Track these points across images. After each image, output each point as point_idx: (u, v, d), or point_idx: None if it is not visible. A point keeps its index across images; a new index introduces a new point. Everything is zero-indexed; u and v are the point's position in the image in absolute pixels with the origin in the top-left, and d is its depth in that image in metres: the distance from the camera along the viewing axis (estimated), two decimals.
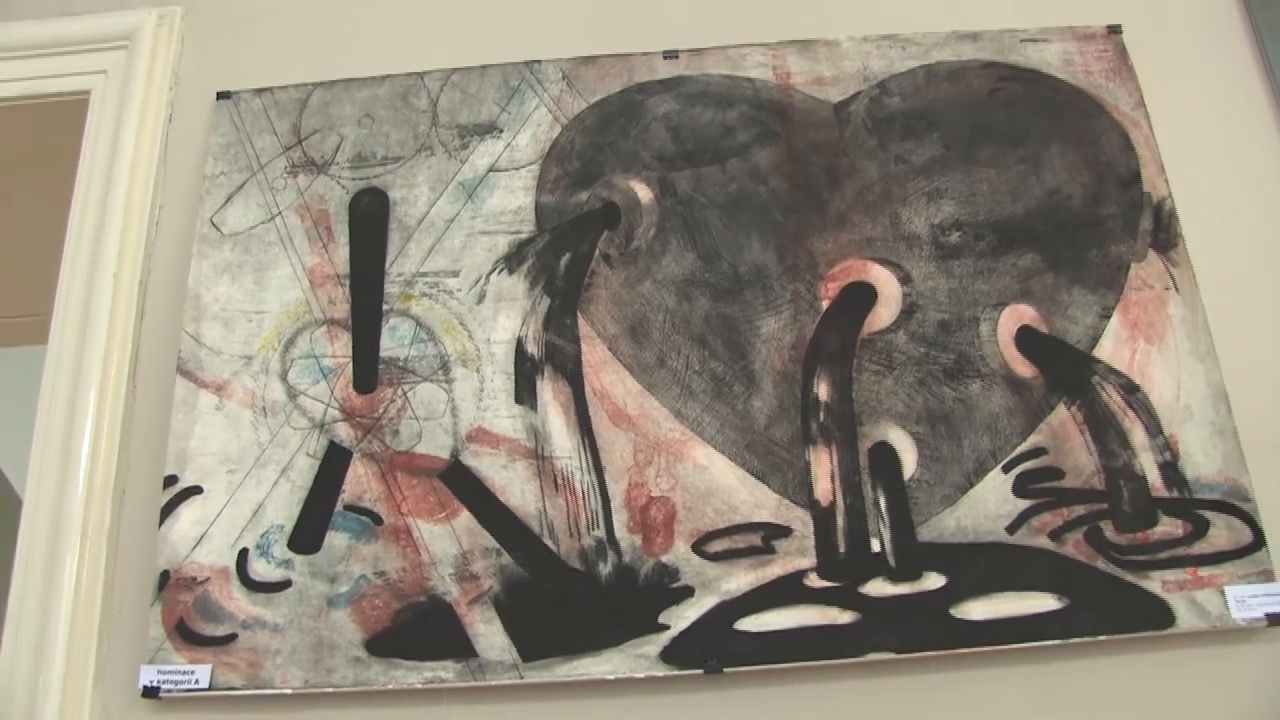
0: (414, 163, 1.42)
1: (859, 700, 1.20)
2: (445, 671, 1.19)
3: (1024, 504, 1.23)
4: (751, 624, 1.19)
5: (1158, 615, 1.19)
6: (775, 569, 1.21)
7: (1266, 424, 1.29)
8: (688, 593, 1.21)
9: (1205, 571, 1.21)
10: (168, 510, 1.28)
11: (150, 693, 1.21)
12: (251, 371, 1.34)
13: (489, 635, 1.21)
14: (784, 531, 1.22)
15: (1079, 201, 1.35)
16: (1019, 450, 1.25)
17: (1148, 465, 1.25)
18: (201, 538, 1.27)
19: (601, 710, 1.21)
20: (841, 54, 1.45)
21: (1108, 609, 1.20)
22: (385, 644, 1.21)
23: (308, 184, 1.43)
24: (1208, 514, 1.23)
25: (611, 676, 1.18)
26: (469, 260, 1.36)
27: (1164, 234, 1.34)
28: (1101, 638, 1.19)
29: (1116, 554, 1.22)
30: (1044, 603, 1.20)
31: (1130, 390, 1.27)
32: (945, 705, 1.20)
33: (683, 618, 1.20)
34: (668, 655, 1.18)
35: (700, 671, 1.18)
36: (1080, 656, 1.22)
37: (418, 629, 1.21)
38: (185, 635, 1.23)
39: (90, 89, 1.52)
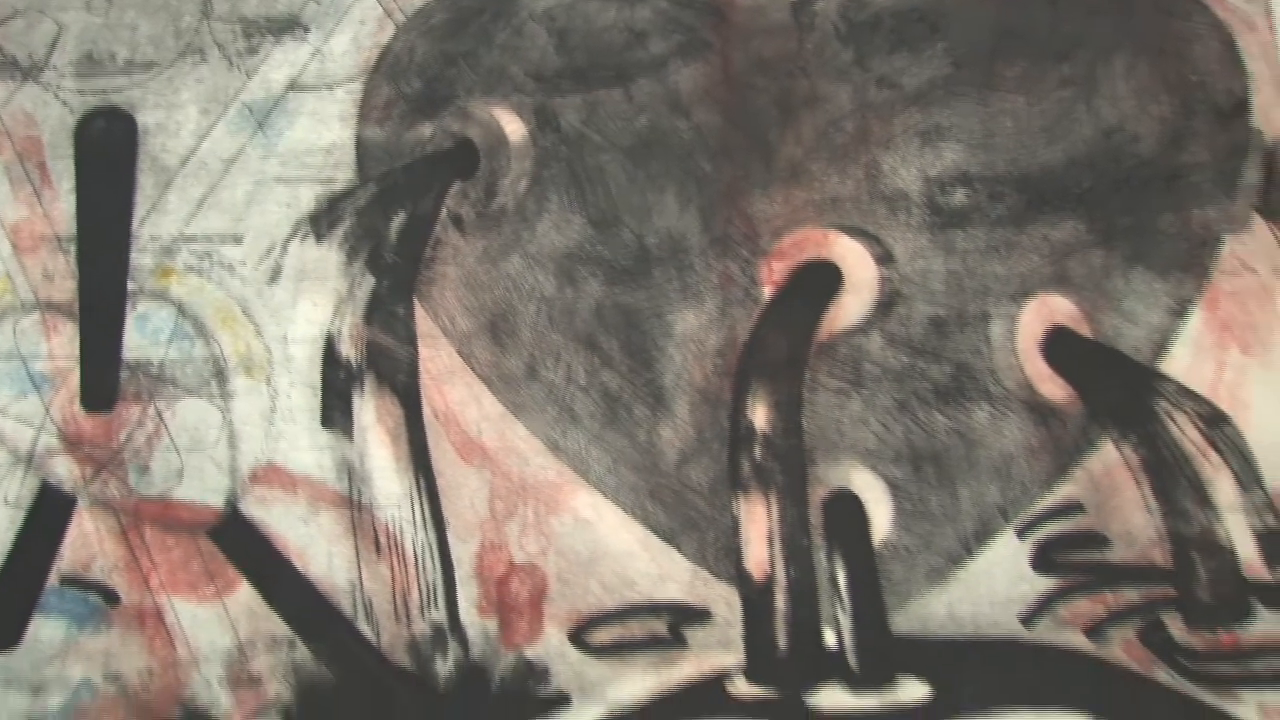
0: (175, 72, 1.56)
1: None
2: None
3: (1048, 584, 1.41)
4: None
5: None
6: (687, 669, 1.39)
7: None
8: (561, 702, 1.38)
9: None
10: None
11: None
12: None
13: None
14: (701, 616, 1.40)
15: (1150, 144, 1.52)
16: (1043, 506, 1.43)
17: (1238, 532, 1.42)
18: None
19: None
20: None
21: None
22: None
23: (5, 96, 1.56)
24: None
25: None
26: (258, 220, 1.52)
27: (1278, 191, 1.50)
28: None
29: (1189, 663, 1.38)
30: None
31: (1215, 422, 1.44)
32: None
33: None
34: None
35: None
36: None
37: None
38: None
39: None
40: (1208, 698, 1.38)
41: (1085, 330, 1.49)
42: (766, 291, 1.50)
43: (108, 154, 1.55)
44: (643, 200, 1.53)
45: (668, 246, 1.51)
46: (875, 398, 1.47)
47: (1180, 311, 1.48)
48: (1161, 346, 1.48)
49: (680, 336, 1.49)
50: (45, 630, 1.42)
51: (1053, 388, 1.47)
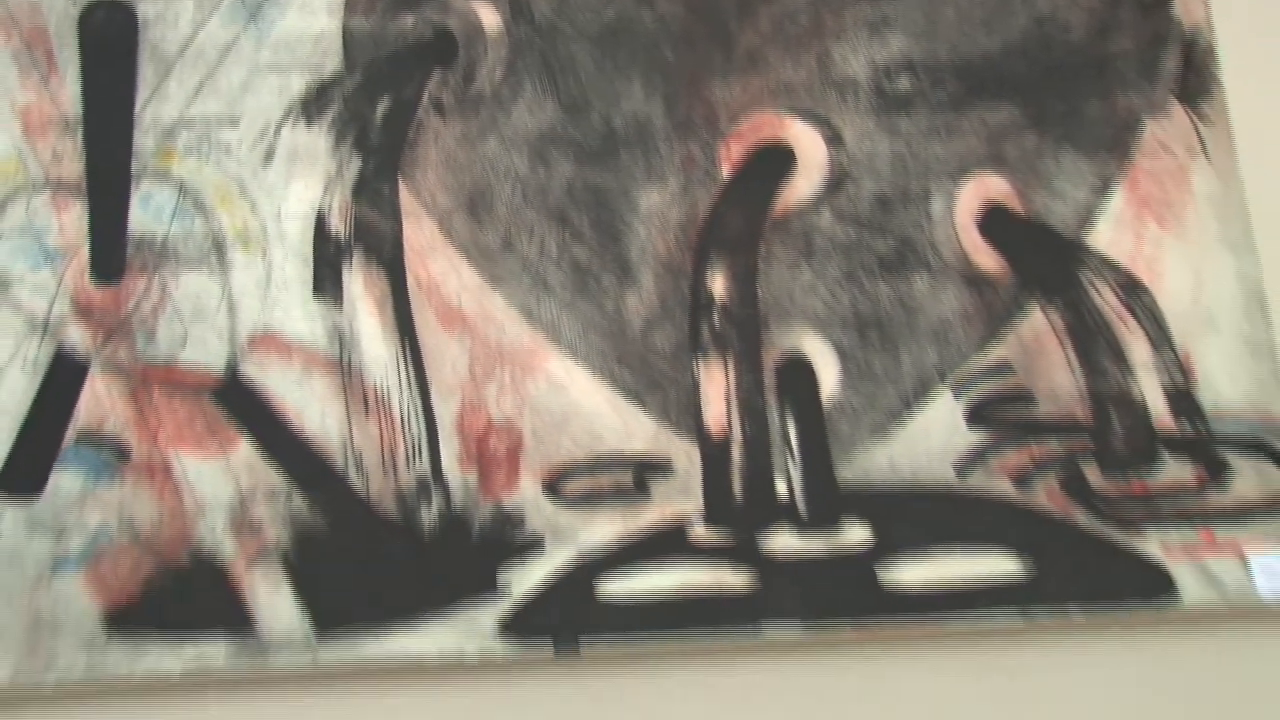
0: None
1: (755, 691, 1.38)
2: (214, 652, 1.35)
3: (980, 438, 1.41)
4: (617, 587, 1.37)
5: (1156, 587, 1.36)
6: (650, 516, 1.38)
7: None
8: (536, 546, 1.37)
9: (1223, 532, 1.38)
10: None
11: None
12: None
13: (274, 604, 1.36)
14: (663, 468, 1.39)
15: (1080, 33, 1.51)
16: (976, 366, 1.43)
17: (1150, 390, 1.42)
18: None
19: (420, 700, 1.37)
20: None
21: (1087, 577, 1.37)
22: (132, 619, 1.36)
23: None
24: (1230, 455, 1.40)
25: (434, 654, 1.34)
26: (252, 105, 1.50)
27: (1195, 78, 1.51)
28: (1077, 615, 1.35)
29: (1103, 506, 1.40)
30: (1002, 566, 1.38)
31: (1132, 290, 1.45)
32: (868, 700, 1.38)
33: (529, 578, 1.37)
34: (508, 627, 1.36)
35: (549, 648, 1.34)
36: (1049, 640, 1.39)
37: (178, 597, 1.37)
38: None
39: None
40: (1118, 537, 1.37)
41: (1017, 207, 1.48)
42: (725, 171, 1.48)
43: (110, 43, 1.51)
44: (610, 87, 1.51)
45: (634, 130, 1.50)
46: (825, 269, 1.47)
47: (1104, 190, 1.48)
48: (1086, 221, 1.47)
49: (645, 213, 1.47)
50: (64, 482, 1.38)
51: (987, 259, 1.46)
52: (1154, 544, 1.36)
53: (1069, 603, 1.34)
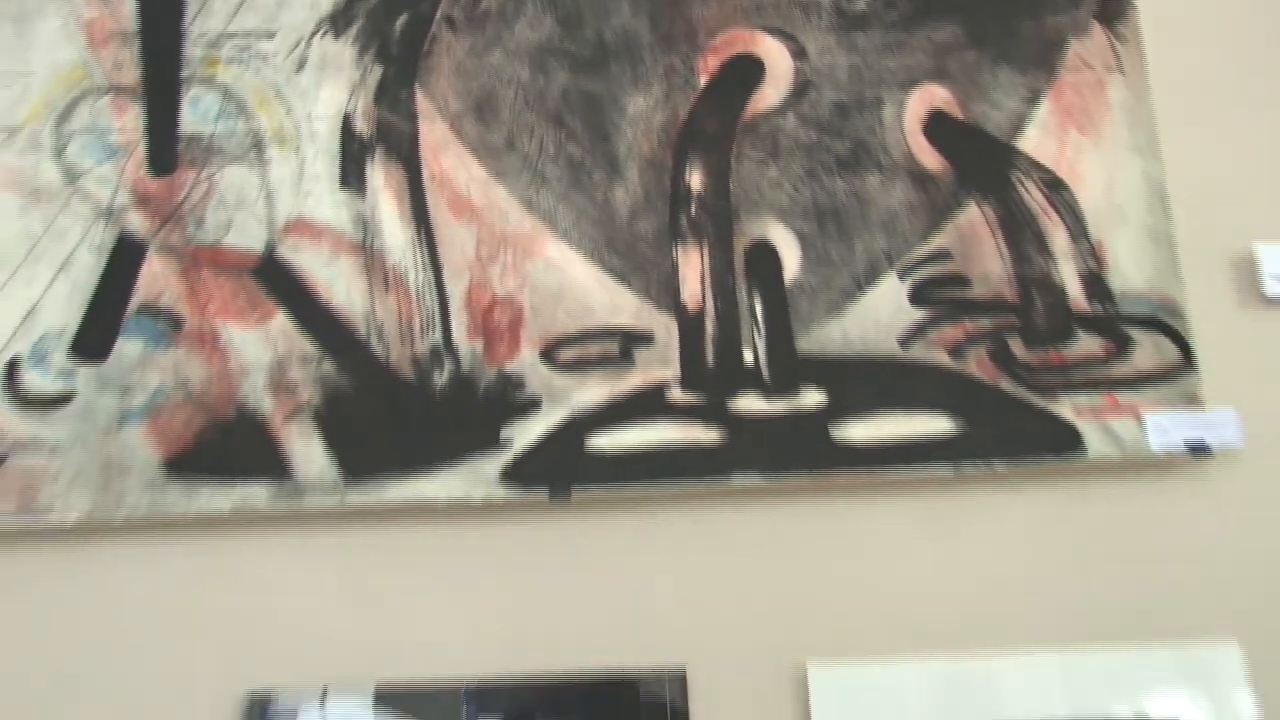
0: None
1: (723, 531, 1.34)
2: (256, 494, 1.30)
3: (921, 315, 1.35)
4: (605, 441, 1.32)
5: (1066, 443, 1.33)
6: (634, 380, 1.33)
7: (1209, 232, 1.41)
8: (534, 405, 1.32)
9: (1124, 397, 1.34)
10: None
11: None
12: (16, 148, 1.40)
13: (307, 453, 1.31)
14: (645, 339, 1.34)
15: None
16: (919, 253, 1.37)
17: (1068, 274, 1.37)
18: None
19: (433, 539, 1.33)
20: None
21: (1010, 435, 1.33)
22: (186, 465, 1.31)
23: None
24: (1133, 331, 1.36)
25: (445, 497, 1.30)
26: (287, 19, 1.43)
27: (1113, 2, 1.43)
28: (1000, 467, 1.32)
29: (1025, 374, 1.35)
30: (937, 425, 1.33)
31: (1054, 187, 1.38)
32: (821, 539, 1.34)
33: (528, 433, 1.32)
34: (509, 475, 1.31)
35: (545, 494, 1.31)
36: (976, 488, 1.35)
37: (225, 447, 1.33)
38: None
39: None
40: (1036, 400, 1.33)
41: (958, 114, 1.41)
42: (702, 80, 1.41)
43: None
44: (602, 4, 1.43)
45: (622, 43, 1.42)
46: (789, 166, 1.40)
47: (1033, 100, 1.41)
48: (1017, 128, 1.40)
49: (632, 116, 1.40)
50: (128, 348, 1.35)
51: (930, 159, 1.40)
52: (1066, 407, 1.32)
53: (993, 456, 1.31)
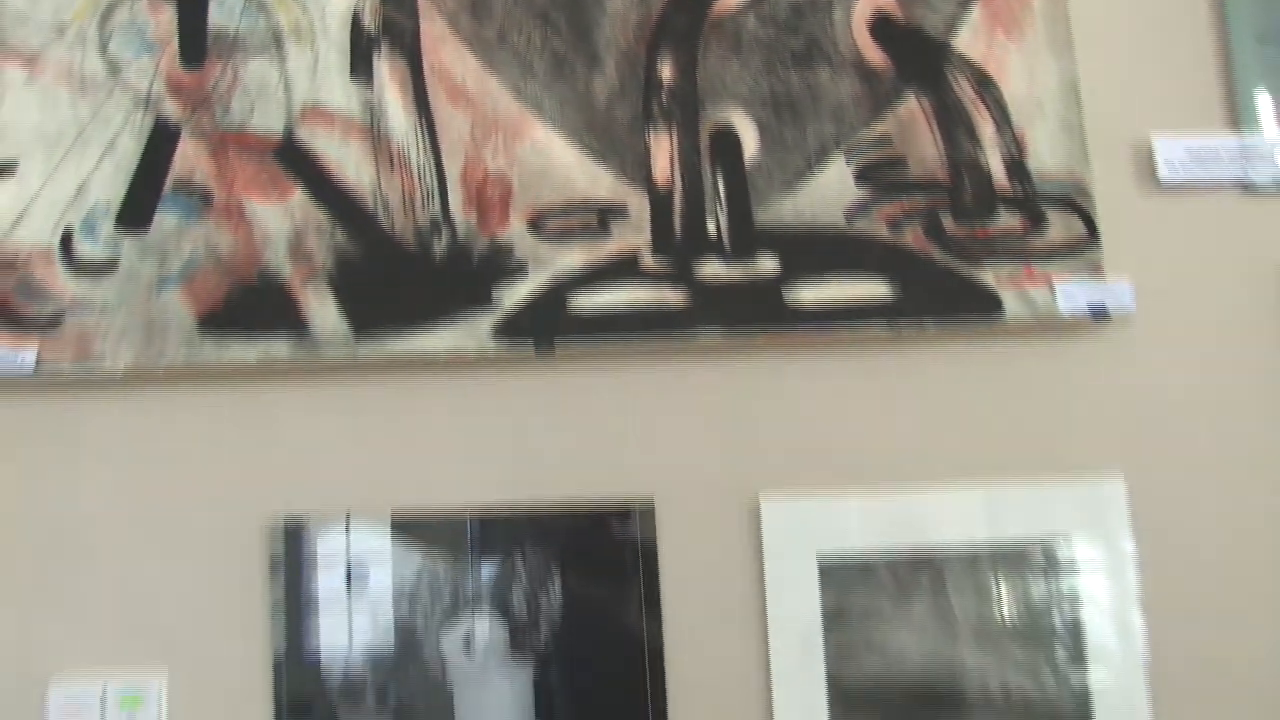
0: None
1: (688, 382, 1.26)
2: (278, 347, 1.22)
3: (865, 193, 1.26)
4: (584, 302, 1.23)
5: (987, 306, 1.25)
6: (610, 248, 1.24)
7: (1114, 123, 1.32)
8: (522, 270, 1.24)
9: (1039, 267, 1.26)
10: None
11: None
12: (66, 43, 1.28)
13: (322, 312, 1.23)
14: (620, 211, 1.24)
15: None
16: (863, 138, 1.27)
17: (993, 159, 1.28)
18: (19, 217, 1.25)
19: (435, 387, 1.26)
20: None
21: (939, 298, 1.25)
22: (217, 322, 1.24)
23: None
24: (1047, 210, 1.28)
25: (443, 350, 1.23)
26: None
27: None
28: (931, 327, 1.25)
29: (953, 246, 1.26)
30: (876, 290, 1.25)
31: (983, 83, 1.29)
32: (774, 389, 1.27)
33: (516, 294, 1.23)
34: (500, 330, 1.22)
35: (531, 347, 1.23)
36: (909, 348, 1.28)
37: (251, 307, 1.23)
38: (7, 319, 1.24)
39: None
40: (963, 269, 1.27)
41: (900, 16, 1.32)
42: None
43: None
44: None
45: None
46: (749, 60, 1.30)
47: (965, 5, 1.32)
48: (951, 29, 1.32)
49: (610, 14, 1.30)
50: (165, 220, 1.27)
51: (875, 56, 1.31)
52: (989, 275, 1.25)
53: (925, 317, 1.24)
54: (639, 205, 1.25)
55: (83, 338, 1.24)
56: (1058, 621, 1.26)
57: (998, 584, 1.26)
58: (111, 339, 1.24)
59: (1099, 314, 1.27)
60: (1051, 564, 1.27)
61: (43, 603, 1.24)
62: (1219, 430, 1.30)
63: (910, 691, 1.24)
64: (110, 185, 1.27)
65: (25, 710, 1.22)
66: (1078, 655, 1.25)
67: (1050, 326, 1.29)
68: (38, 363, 1.23)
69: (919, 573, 1.25)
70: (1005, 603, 1.26)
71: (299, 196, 1.26)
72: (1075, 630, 1.26)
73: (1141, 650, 1.26)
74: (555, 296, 1.24)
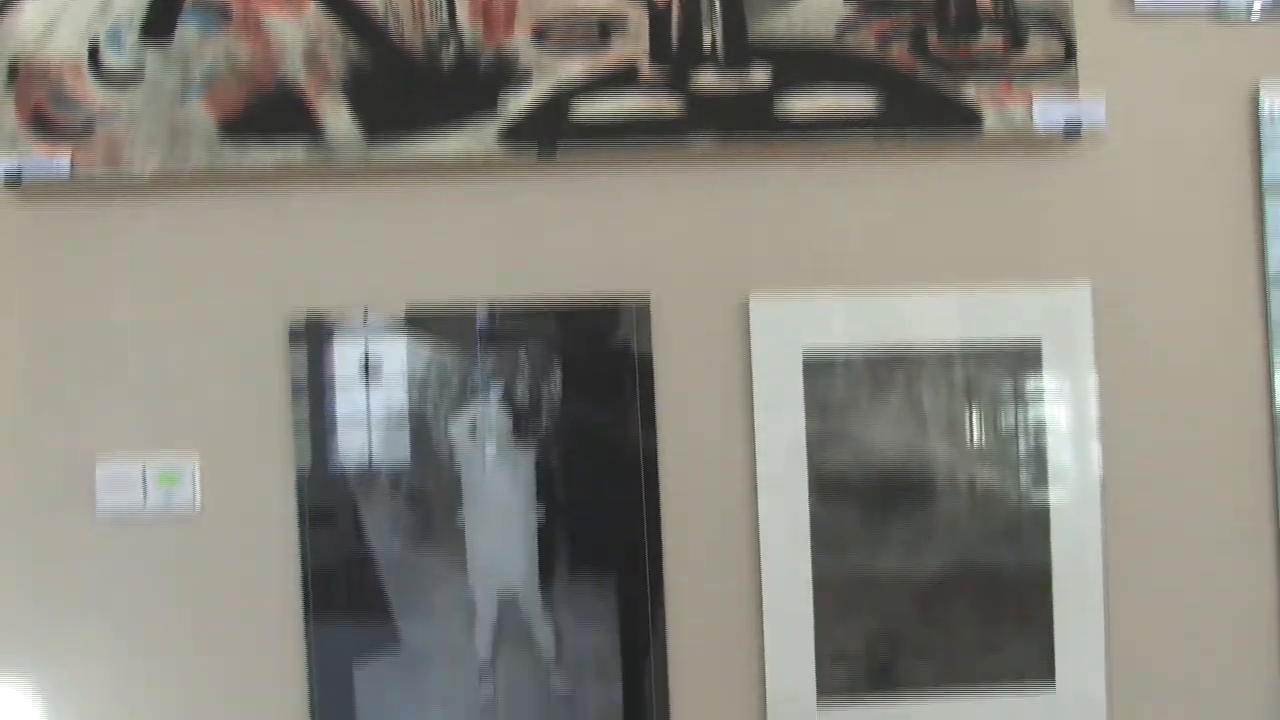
0: None
1: (682, 188, 1.34)
2: (295, 151, 1.29)
3: (855, 9, 1.31)
4: (586, 109, 1.29)
5: (969, 120, 1.31)
6: (610, 58, 1.30)
7: None
8: (526, 78, 1.29)
9: (1017, 84, 1.32)
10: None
11: (12, 181, 1.29)
12: None
13: (336, 118, 1.29)
14: (620, 23, 1.30)
15: None
16: None
17: None
18: (48, 29, 1.30)
19: (444, 191, 1.33)
20: None
21: (923, 112, 1.31)
22: (238, 128, 1.30)
23: None
24: (1028, 29, 1.32)
25: (451, 154, 1.29)
26: None
27: None
28: (913, 139, 1.32)
29: (937, 62, 1.32)
30: (862, 102, 1.31)
31: None
32: (764, 195, 1.34)
33: (520, 101, 1.29)
34: (505, 135, 1.28)
35: (534, 152, 1.30)
36: (893, 158, 1.35)
37: (269, 114, 1.29)
38: (43, 127, 1.30)
39: None
40: (946, 85, 1.33)
41: None
42: None
43: None
44: None
45: None
46: None
47: None
48: None
49: None
50: (187, 32, 1.32)
51: None
52: (970, 90, 1.30)
53: (908, 129, 1.30)
54: (638, 17, 1.31)
55: (112, 144, 1.31)
56: (1021, 419, 1.35)
57: (968, 382, 1.35)
58: (139, 145, 1.31)
59: (1073, 130, 1.33)
60: (1019, 364, 1.35)
61: (84, 396, 1.34)
62: (1184, 245, 1.38)
63: (884, 480, 1.34)
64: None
65: (77, 488, 1.32)
66: (1039, 451, 1.35)
67: (1026, 141, 1.35)
68: (72, 169, 1.30)
69: (896, 370, 1.34)
70: (974, 399, 1.35)
71: (313, 8, 1.31)
72: (1038, 429, 1.35)
73: (1095, 426, 1.36)
74: (557, 104, 1.30)
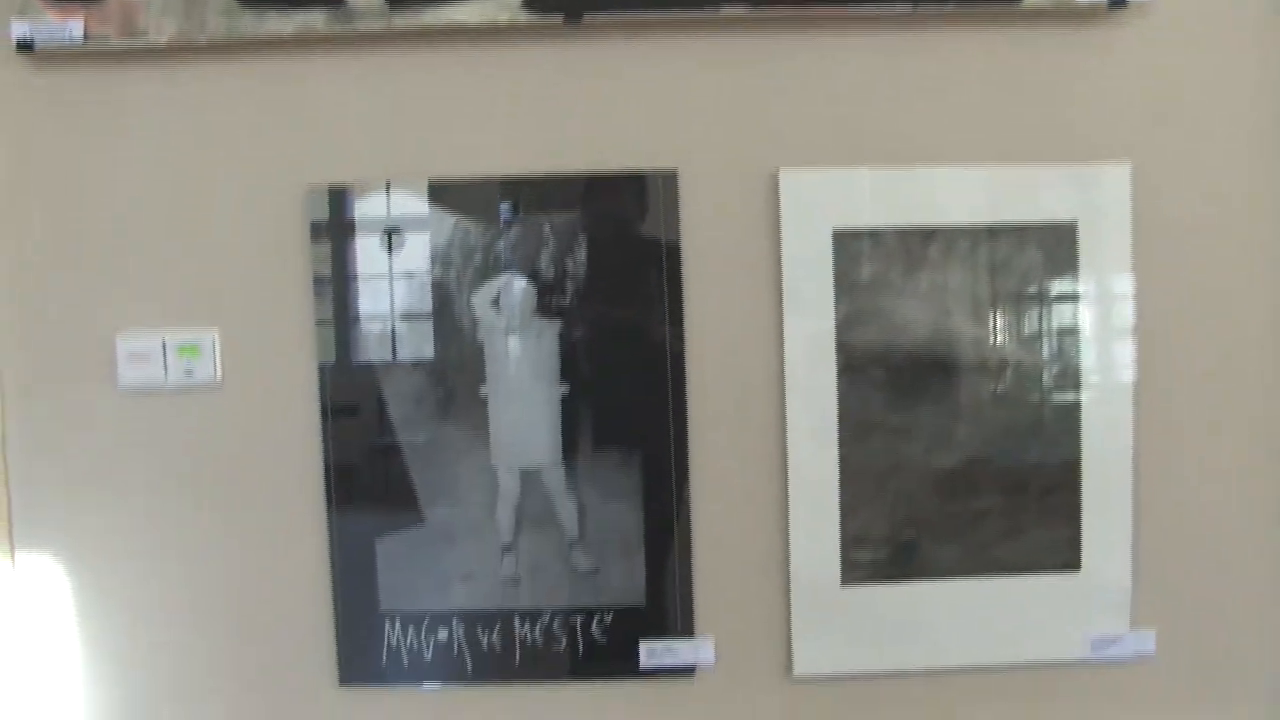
0: None
1: (712, 57, 1.29)
2: (315, 18, 1.25)
3: None
4: None
5: None
6: None
7: None
8: None
9: None
10: None
11: (25, 47, 1.26)
12: None
13: None
14: None
15: None
16: None
17: None
18: None
19: (468, 59, 1.29)
20: None
21: None
22: None
23: None
24: None
25: (475, 21, 1.25)
26: None
27: None
28: (950, 8, 1.28)
29: None
30: None
31: None
32: (795, 67, 1.30)
33: None
34: (530, 1, 1.25)
35: (560, 18, 1.26)
36: (929, 29, 1.30)
37: None
38: None
39: None
40: None
41: None
42: None
43: None
44: None
45: None
46: None
47: None
48: None
49: None
50: None
51: None
52: None
53: None
54: None
55: (127, 10, 1.27)
56: (1052, 294, 1.32)
57: (1000, 260, 1.32)
58: (155, 12, 1.27)
59: (1118, 3, 1.28)
60: (1054, 244, 1.32)
61: (103, 268, 1.32)
62: (1228, 125, 1.33)
63: (913, 361, 1.32)
64: None
65: (97, 360, 1.31)
66: (1073, 333, 1.32)
67: (1068, 10, 1.30)
68: (85, 35, 1.27)
69: (927, 246, 1.31)
70: (1006, 278, 1.32)
71: None
72: (1073, 304, 1.32)
73: (1130, 310, 1.33)
74: None
